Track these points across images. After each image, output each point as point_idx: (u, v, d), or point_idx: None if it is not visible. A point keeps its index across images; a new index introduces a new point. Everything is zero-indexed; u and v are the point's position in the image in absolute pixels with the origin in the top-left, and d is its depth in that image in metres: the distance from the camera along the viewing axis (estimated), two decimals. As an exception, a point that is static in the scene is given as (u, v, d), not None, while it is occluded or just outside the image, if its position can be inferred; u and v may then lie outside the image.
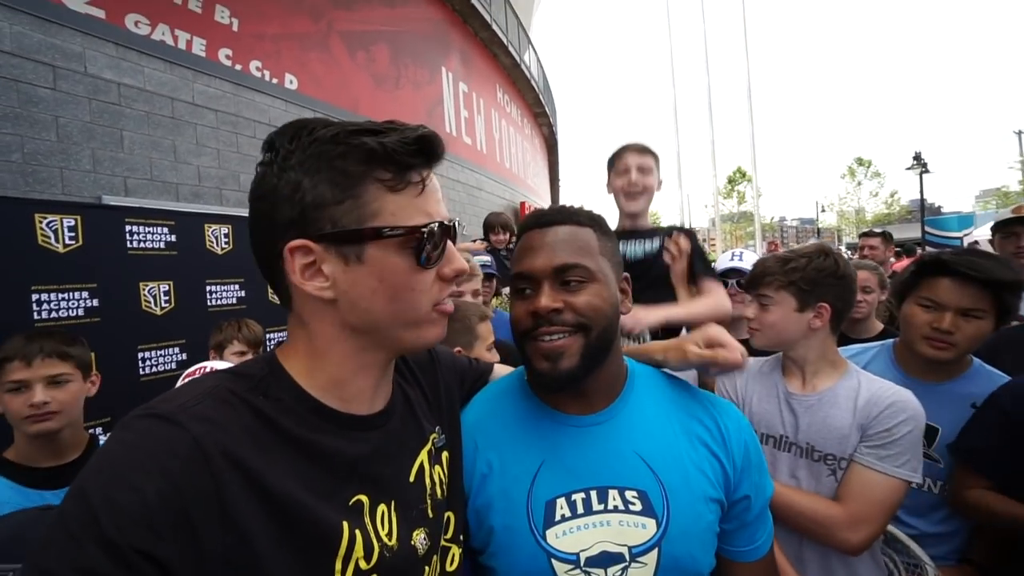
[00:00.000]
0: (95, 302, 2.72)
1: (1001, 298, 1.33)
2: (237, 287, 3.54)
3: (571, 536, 0.78)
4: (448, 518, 0.78)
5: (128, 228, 2.93)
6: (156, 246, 3.05)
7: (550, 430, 0.85)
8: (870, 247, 4.25)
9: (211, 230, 3.42)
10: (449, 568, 0.76)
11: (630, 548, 0.78)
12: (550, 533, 0.79)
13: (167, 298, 3.07)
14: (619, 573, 0.77)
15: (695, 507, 0.80)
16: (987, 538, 1.36)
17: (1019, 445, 1.20)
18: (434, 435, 0.80)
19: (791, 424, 1.32)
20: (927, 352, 1.38)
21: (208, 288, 3.36)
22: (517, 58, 13.93)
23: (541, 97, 17.62)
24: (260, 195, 0.61)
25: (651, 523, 0.78)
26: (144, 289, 2.95)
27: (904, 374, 1.47)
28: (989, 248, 2.40)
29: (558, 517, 0.79)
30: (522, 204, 15.46)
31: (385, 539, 0.64)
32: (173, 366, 3.08)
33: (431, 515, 0.73)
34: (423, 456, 0.76)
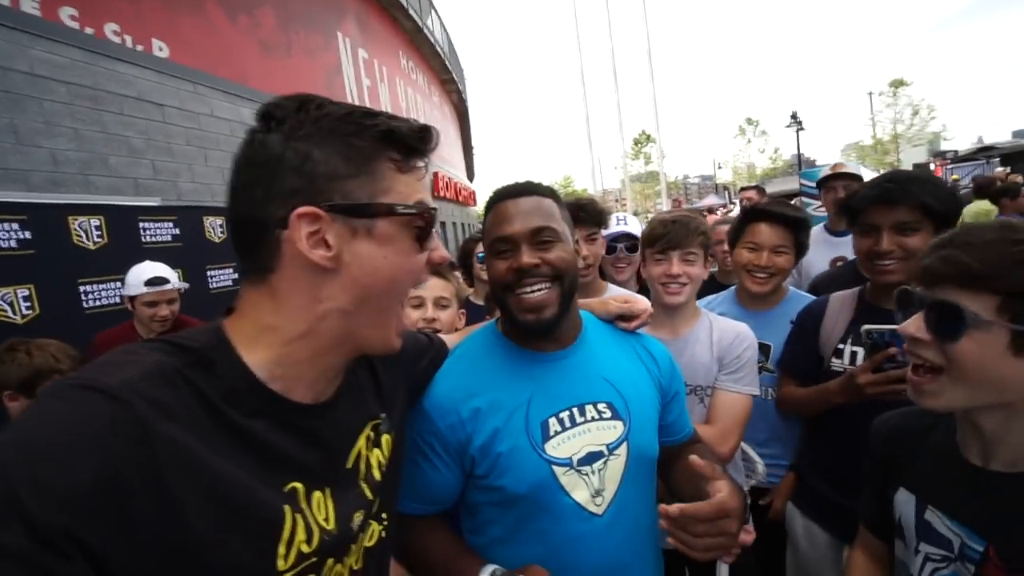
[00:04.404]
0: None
1: (798, 235, 1.72)
2: (120, 285, 3.16)
3: (564, 445, 0.97)
4: (378, 499, 0.79)
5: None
6: (7, 245, 2.61)
7: (532, 367, 1.03)
8: (748, 198, 5.17)
9: (77, 223, 2.98)
10: (367, 543, 0.77)
11: (607, 445, 0.99)
12: (547, 446, 0.96)
13: (28, 304, 2.66)
14: (602, 466, 0.98)
15: (645, 408, 1.06)
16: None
17: (803, 348, 1.54)
18: (377, 420, 0.81)
19: None
20: (752, 287, 1.73)
21: (82, 288, 2.96)
22: (419, 22, 13.30)
23: (448, 63, 17.06)
24: (259, 162, 0.61)
25: (619, 424, 1.01)
26: (-3, 296, 2.53)
27: (742, 307, 1.83)
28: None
29: (552, 432, 0.98)
30: (436, 174, 15.08)
31: (323, 523, 0.65)
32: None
33: (370, 496, 0.75)
34: (361, 443, 0.76)
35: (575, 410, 1.00)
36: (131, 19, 4.93)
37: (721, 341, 1.49)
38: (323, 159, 0.60)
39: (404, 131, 0.65)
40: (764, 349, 1.68)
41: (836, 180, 2.75)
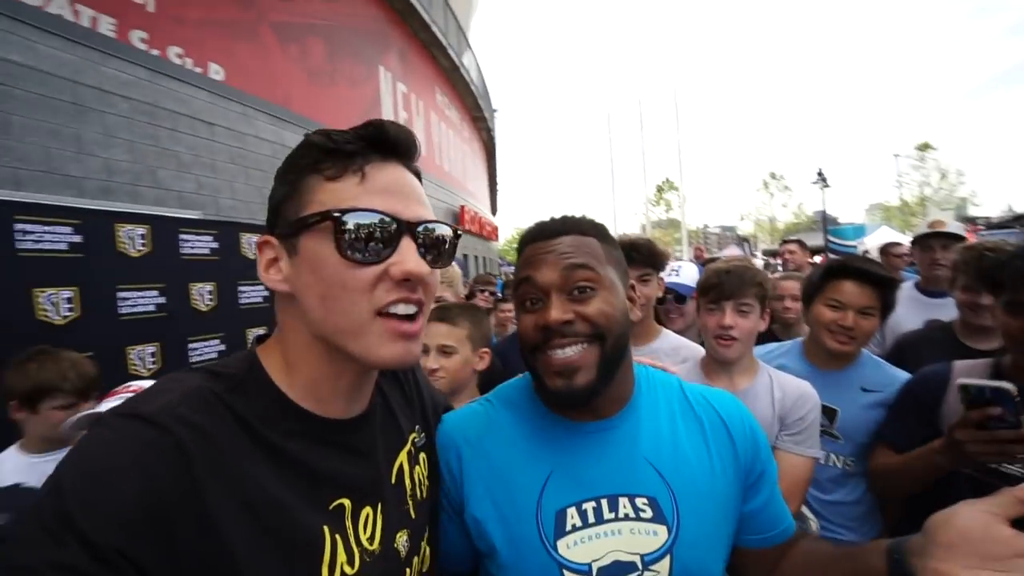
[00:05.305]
0: (-24, 311, 2.35)
1: (886, 296, 1.54)
2: (156, 293, 3.20)
3: (583, 546, 0.76)
4: (423, 520, 0.77)
5: (18, 226, 2.55)
6: (57, 247, 2.67)
7: (558, 438, 0.82)
8: (790, 252, 4.85)
9: (124, 230, 3.06)
10: (423, 569, 0.74)
11: (642, 556, 0.75)
12: (561, 544, 0.76)
13: (70, 306, 2.70)
14: None
15: (706, 510, 0.79)
16: (892, 508, 1.55)
17: (918, 422, 1.37)
18: (413, 435, 0.80)
19: None
20: (833, 346, 1.56)
21: (120, 295, 3.00)
22: (456, 60, 13.85)
23: (480, 101, 17.64)
24: None
25: (662, 530, 0.77)
26: (40, 296, 2.58)
27: (810, 365, 1.65)
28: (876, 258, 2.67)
29: (569, 527, 0.77)
30: (461, 208, 15.35)
31: (366, 543, 0.64)
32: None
33: (413, 516, 0.73)
34: (403, 457, 0.75)
35: (604, 502, 0.78)
36: (193, 43, 5.21)
37: (784, 399, 1.40)
38: (277, 189, 0.63)
39: (332, 136, 0.60)
40: (829, 413, 1.55)
41: (934, 239, 2.45)
